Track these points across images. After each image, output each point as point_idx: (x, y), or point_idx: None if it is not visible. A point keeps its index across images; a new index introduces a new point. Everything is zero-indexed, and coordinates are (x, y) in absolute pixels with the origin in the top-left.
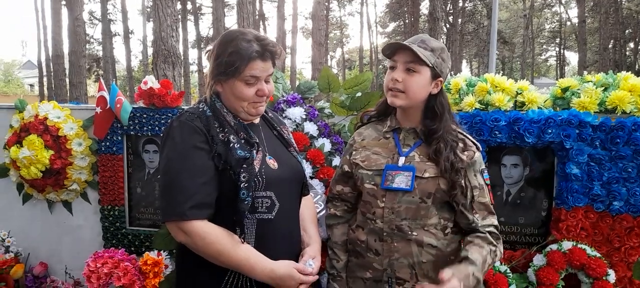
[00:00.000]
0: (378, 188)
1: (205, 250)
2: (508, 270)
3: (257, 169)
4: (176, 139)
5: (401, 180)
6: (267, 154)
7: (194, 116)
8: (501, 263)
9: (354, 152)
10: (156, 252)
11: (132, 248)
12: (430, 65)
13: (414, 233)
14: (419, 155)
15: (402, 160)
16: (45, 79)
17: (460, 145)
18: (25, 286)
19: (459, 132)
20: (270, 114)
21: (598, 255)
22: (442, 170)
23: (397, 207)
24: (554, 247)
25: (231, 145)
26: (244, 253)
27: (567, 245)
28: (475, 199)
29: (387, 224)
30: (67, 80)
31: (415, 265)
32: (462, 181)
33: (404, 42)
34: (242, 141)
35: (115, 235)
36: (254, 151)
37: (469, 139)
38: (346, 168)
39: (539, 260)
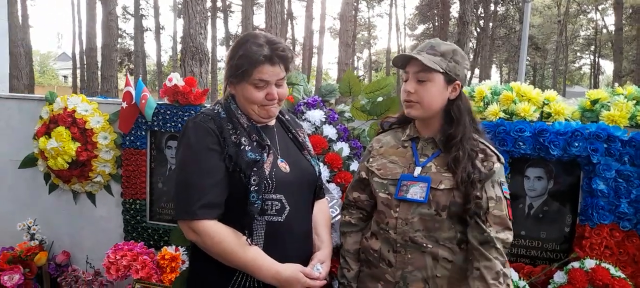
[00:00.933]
0: (392, 198)
1: (213, 249)
2: (527, 286)
3: (267, 172)
4: (190, 140)
5: (415, 191)
6: (279, 157)
7: (208, 118)
8: (520, 278)
9: (371, 159)
10: (174, 247)
11: (152, 242)
12: (442, 70)
13: (429, 245)
14: (436, 165)
15: (418, 171)
16: (78, 71)
17: (480, 155)
18: (48, 273)
19: (481, 141)
20: (286, 117)
21: (622, 276)
22: (458, 182)
23: (410, 218)
24: (576, 264)
25: (242, 147)
26: (251, 254)
27: (590, 263)
28: (490, 211)
29: (400, 235)
30: (99, 72)
31: (430, 279)
32: (478, 193)
33: (411, 53)
34: (254, 143)
35: (135, 228)
36: (265, 154)
37: (490, 149)
38: (363, 174)
39: (559, 277)
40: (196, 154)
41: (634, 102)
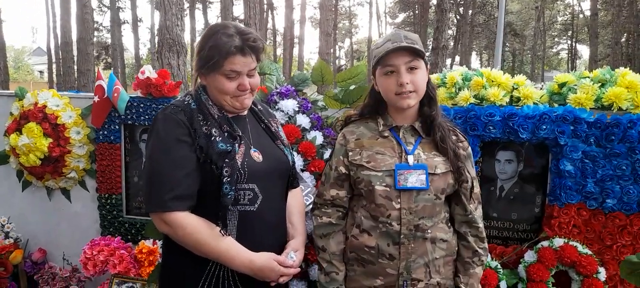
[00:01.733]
0: (392, 189)
1: (185, 241)
2: (499, 266)
3: (239, 162)
4: (160, 131)
5: (415, 179)
6: (252, 147)
7: (178, 109)
8: (492, 259)
9: (350, 153)
10: (152, 240)
11: (129, 237)
12: (424, 56)
13: (429, 231)
14: (423, 152)
15: (411, 159)
16: (54, 66)
17: (453, 136)
18: (24, 272)
19: (446, 121)
20: (259, 107)
21: (589, 252)
22: (451, 160)
23: (414, 207)
24: (546, 243)
25: (212, 138)
26: (225, 245)
27: (558, 242)
28: (474, 189)
29: (405, 226)
30: (75, 67)
31: (430, 262)
32: (464, 170)
33: (401, 45)
34: (225, 134)
35: (112, 223)
36: (236, 144)
37: (458, 129)
38: (343, 170)
39: (530, 256)
40: (166, 146)
41: (600, 84)
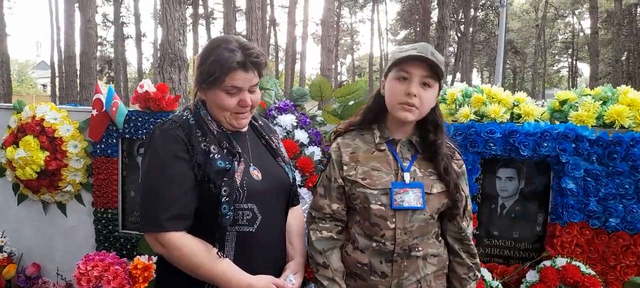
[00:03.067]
0: (387, 208)
1: (180, 262)
2: (500, 285)
3: (238, 181)
4: (157, 147)
5: (411, 199)
6: (252, 164)
7: (176, 125)
8: (493, 278)
9: (346, 167)
10: (147, 256)
11: (124, 252)
12: (441, 79)
13: (421, 248)
14: (419, 169)
15: (407, 177)
16: (57, 80)
17: (450, 154)
18: (18, 286)
19: (447, 142)
20: (260, 122)
21: (592, 273)
22: (450, 189)
23: (409, 227)
24: (548, 263)
25: (211, 155)
26: (221, 267)
27: (561, 261)
28: (467, 207)
29: (399, 246)
30: (78, 81)
31: (422, 279)
32: (459, 193)
33: (425, 55)
34: (224, 151)
35: (107, 238)
36: (236, 162)
37: (455, 148)
38: (341, 182)
39: (531, 276)
40: (163, 163)
41: (601, 102)
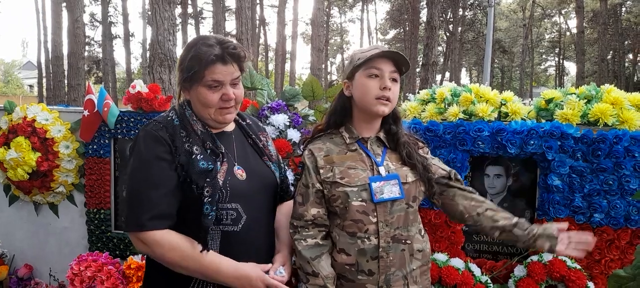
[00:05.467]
0: (368, 203)
1: (165, 258)
2: (489, 280)
3: (221, 181)
4: (141, 148)
5: (390, 190)
6: (236, 164)
7: (160, 125)
8: (483, 273)
9: (321, 170)
10: (140, 256)
11: (117, 252)
12: (403, 74)
13: (408, 241)
14: (391, 162)
15: (382, 170)
16: (44, 80)
17: (415, 147)
18: None
19: (408, 135)
20: (247, 121)
21: (578, 267)
22: (420, 172)
23: (390, 218)
24: (535, 258)
25: (193, 156)
26: (208, 258)
27: (547, 256)
28: (457, 175)
29: (383, 238)
30: (66, 81)
31: (408, 274)
32: (433, 174)
33: (392, 50)
34: (208, 151)
35: (100, 238)
36: (219, 162)
37: (417, 138)
38: (319, 186)
39: (519, 271)
40: (145, 164)
41: (586, 100)
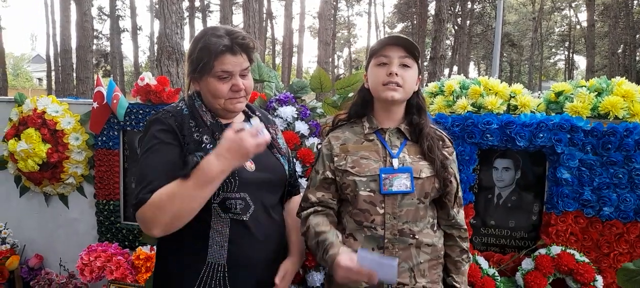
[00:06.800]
0: (376, 194)
1: (167, 209)
2: (496, 274)
3: None
4: (148, 135)
5: (400, 183)
6: None
7: (169, 115)
8: (490, 266)
9: (336, 158)
10: (149, 246)
11: (126, 243)
12: (418, 60)
13: (417, 236)
14: (409, 155)
15: (396, 162)
16: (53, 73)
17: (439, 143)
18: (20, 277)
19: (435, 129)
20: (258, 113)
21: (586, 260)
22: (437, 169)
23: (398, 211)
24: (543, 251)
25: (203, 145)
26: (191, 176)
27: (555, 249)
28: (458, 194)
29: (389, 230)
30: (74, 74)
31: (414, 266)
32: (449, 177)
33: (399, 36)
34: (217, 141)
35: (109, 229)
36: None
37: (445, 135)
38: (329, 174)
39: (527, 264)
40: (151, 150)
41: (596, 93)
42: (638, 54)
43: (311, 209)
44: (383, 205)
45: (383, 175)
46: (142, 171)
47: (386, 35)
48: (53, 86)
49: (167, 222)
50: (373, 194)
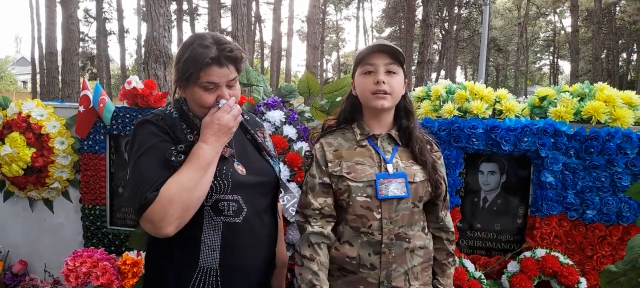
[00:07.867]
0: (373, 199)
1: (178, 202)
2: (482, 276)
3: (223, 171)
4: (139, 137)
5: (395, 188)
6: (235, 160)
7: (159, 117)
8: (476, 269)
9: (330, 164)
10: (136, 252)
11: (113, 248)
12: (403, 65)
13: (411, 240)
14: (401, 160)
15: (390, 168)
16: (38, 76)
17: (428, 146)
18: (4, 284)
19: (423, 133)
20: (246, 117)
21: (570, 263)
22: (429, 171)
23: (394, 216)
24: (528, 254)
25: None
26: (186, 165)
27: (540, 252)
28: (446, 197)
29: (386, 235)
30: (60, 77)
31: (409, 270)
32: (439, 178)
33: (382, 43)
34: None
35: (95, 234)
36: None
37: (432, 139)
38: (326, 179)
39: (513, 266)
40: (145, 150)
41: (579, 98)
42: (621, 59)
43: (312, 221)
44: (380, 210)
45: (379, 181)
46: (139, 173)
47: (372, 42)
48: (38, 89)
49: (179, 214)
50: (369, 200)
